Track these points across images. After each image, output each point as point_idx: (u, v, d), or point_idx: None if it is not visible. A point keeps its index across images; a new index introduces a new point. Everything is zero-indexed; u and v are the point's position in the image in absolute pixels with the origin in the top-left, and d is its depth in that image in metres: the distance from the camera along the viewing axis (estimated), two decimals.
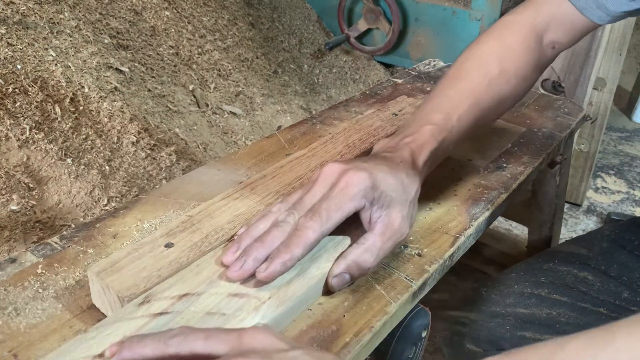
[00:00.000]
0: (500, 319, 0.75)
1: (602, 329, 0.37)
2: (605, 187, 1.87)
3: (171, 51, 1.77)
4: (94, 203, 1.25)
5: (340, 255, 0.52)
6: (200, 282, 0.49)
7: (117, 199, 1.28)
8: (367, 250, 0.51)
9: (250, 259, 0.49)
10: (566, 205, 1.72)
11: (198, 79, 1.80)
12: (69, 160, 1.27)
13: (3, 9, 1.39)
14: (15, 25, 1.37)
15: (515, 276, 0.79)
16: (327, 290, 0.52)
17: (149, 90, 1.59)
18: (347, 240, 0.53)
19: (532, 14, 0.70)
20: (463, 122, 0.62)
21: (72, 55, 1.43)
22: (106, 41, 1.56)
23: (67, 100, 1.36)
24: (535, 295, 0.75)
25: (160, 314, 0.45)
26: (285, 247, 0.48)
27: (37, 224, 1.15)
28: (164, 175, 1.40)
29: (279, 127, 1.84)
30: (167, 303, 0.46)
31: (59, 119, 1.32)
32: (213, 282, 0.49)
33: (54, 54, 1.39)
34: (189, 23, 1.90)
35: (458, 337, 0.80)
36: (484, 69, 0.67)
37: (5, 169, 1.19)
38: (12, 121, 1.25)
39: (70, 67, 1.41)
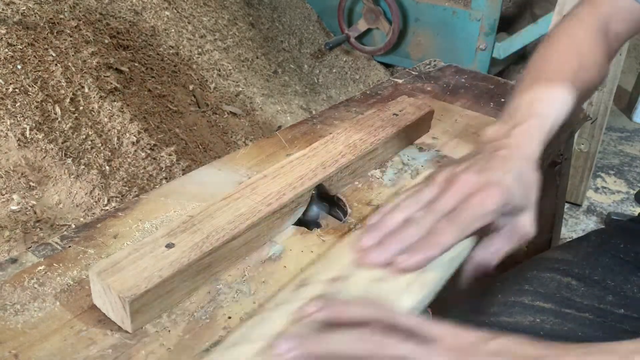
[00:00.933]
0: (485, 328, 0.75)
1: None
2: (605, 187, 1.87)
3: (171, 51, 1.77)
4: (94, 203, 1.25)
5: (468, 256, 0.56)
6: (343, 266, 0.51)
7: (118, 199, 1.28)
8: (493, 254, 0.55)
9: (388, 250, 0.52)
10: (566, 205, 1.72)
11: (198, 79, 1.80)
12: (69, 160, 1.27)
13: (3, 9, 1.39)
14: (15, 25, 1.37)
15: (499, 285, 0.79)
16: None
17: (149, 90, 1.59)
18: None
19: (593, 11, 0.74)
20: (568, 106, 0.65)
21: (72, 55, 1.43)
22: (106, 41, 1.56)
23: (67, 100, 1.36)
24: (518, 303, 0.75)
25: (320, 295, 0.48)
26: (423, 247, 0.52)
27: (37, 224, 1.15)
28: (164, 175, 1.40)
29: (279, 127, 1.84)
30: (322, 286, 0.49)
31: (59, 119, 1.32)
32: (355, 267, 0.52)
33: (54, 54, 1.39)
34: (189, 23, 1.90)
35: None
36: (566, 66, 0.69)
37: (6, 169, 1.19)
38: (12, 121, 1.24)
39: (70, 67, 1.40)
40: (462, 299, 0.82)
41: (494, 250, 0.55)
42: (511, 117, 0.63)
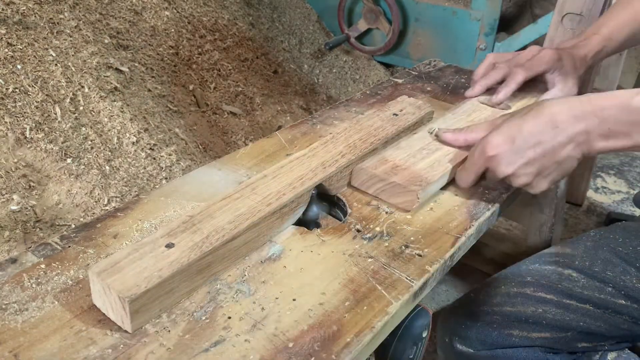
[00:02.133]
0: (488, 317, 0.77)
1: None
2: (605, 187, 1.87)
3: (171, 51, 1.77)
4: (94, 203, 1.24)
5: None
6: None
7: (117, 199, 1.28)
8: (554, 95, 0.88)
9: (488, 81, 0.89)
10: (566, 205, 1.72)
11: (198, 79, 1.80)
12: (69, 160, 1.27)
13: (3, 9, 1.39)
14: (15, 25, 1.37)
15: (502, 278, 0.81)
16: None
17: (149, 90, 1.59)
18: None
19: None
20: (623, 33, 0.90)
21: (72, 55, 1.43)
22: (106, 41, 1.56)
23: (67, 100, 1.36)
24: (520, 294, 0.77)
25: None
26: (508, 83, 0.87)
27: (37, 224, 1.15)
28: (164, 175, 1.40)
29: (279, 127, 1.84)
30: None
31: (59, 119, 1.32)
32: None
33: (54, 54, 1.39)
34: (189, 23, 1.89)
35: (449, 338, 0.81)
36: (623, 16, 0.92)
37: (6, 169, 1.19)
38: (12, 121, 1.24)
39: (70, 67, 1.40)
40: (466, 291, 0.85)
41: (552, 92, 0.88)
42: (579, 36, 0.93)
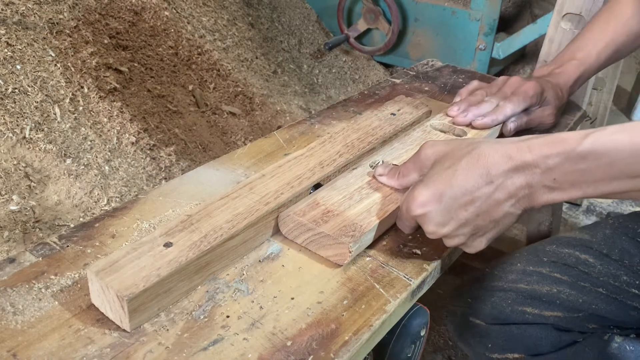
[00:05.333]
0: (503, 293, 0.77)
1: None
2: None
3: (170, 51, 1.77)
4: (94, 203, 1.25)
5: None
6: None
7: (117, 199, 1.28)
8: (526, 115, 0.84)
9: (471, 114, 0.80)
10: (566, 205, 1.72)
11: (197, 79, 1.80)
12: (68, 160, 1.27)
13: (3, 9, 1.39)
14: (15, 25, 1.37)
15: (518, 255, 0.83)
16: (500, 134, 0.82)
17: (149, 90, 1.59)
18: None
19: None
20: (602, 56, 0.88)
21: (72, 56, 1.43)
22: (105, 41, 1.56)
23: (67, 100, 1.36)
24: (536, 272, 0.78)
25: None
26: (494, 113, 0.80)
27: (37, 224, 1.15)
28: (163, 175, 1.40)
29: (279, 127, 1.84)
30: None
31: (59, 119, 1.32)
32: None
33: (53, 54, 1.40)
34: (188, 23, 1.90)
35: (462, 310, 0.82)
36: (618, 13, 0.88)
37: (5, 169, 1.19)
38: (12, 121, 1.25)
39: (69, 67, 1.41)
40: (481, 266, 0.87)
41: (526, 118, 0.83)
42: (554, 62, 0.90)
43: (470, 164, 0.55)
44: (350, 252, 0.57)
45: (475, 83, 0.88)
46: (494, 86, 0.86)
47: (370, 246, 0.62)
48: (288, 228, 0.61)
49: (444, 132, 0.80)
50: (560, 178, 0.52)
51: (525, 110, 0.83)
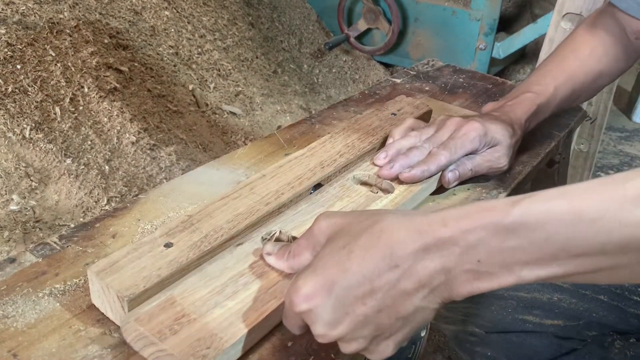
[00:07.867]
0: (502, 301, 0.77)
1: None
2: None
3: (171, 51, 1.77)
4: (94, 203, 1.25)
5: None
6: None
7: (117, 199, 1.28)
8: (470, 160, 0.70)
9: (397, 164, 0.66)
10: None
11: (198, 79, 1.80)
12: (68, 160, 1.28)
13: (3, 9, 1.39)
14: (15, 25, 1.37)
15: None
16: (440, 187, 0.70)
17: (149, 90, 1.59)
18: None
19: (609, 10, 0.82)
20: (559, 91, 0.78)
21: (72, 55, 1.43)
22: (106, 41, 1.56)
23: (67, 100, 1.36)
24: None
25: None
26: (424, 163, 0.66)
27: (37, 224, 1.15)
28: (163, 175, 1.40)
29: (279, 126, 1.84)
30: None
31: (59, 119, 1.32)
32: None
33: (53, 54, 1.40)
34: (188, 23, 1.90)
35: (461, 318, 0.82)
36: (576, 51, 0.82)
37: (6, 169, 1.19)
38: (12, 121, 1.25)
39: (69, 67, 1.41)
40: None
41: (473, 160, 0.70)
42: (507, 97, 0.79)
43: (370, 243, 0.41)
44: None
45: (409, 121, 0.74)
46: (431, 128, 0.72)
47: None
48: (131, 337, 0.46)
49: (370, 185, 0.67)
50: (485, 259, 0.39)
51: (469, 155, 0.70)
